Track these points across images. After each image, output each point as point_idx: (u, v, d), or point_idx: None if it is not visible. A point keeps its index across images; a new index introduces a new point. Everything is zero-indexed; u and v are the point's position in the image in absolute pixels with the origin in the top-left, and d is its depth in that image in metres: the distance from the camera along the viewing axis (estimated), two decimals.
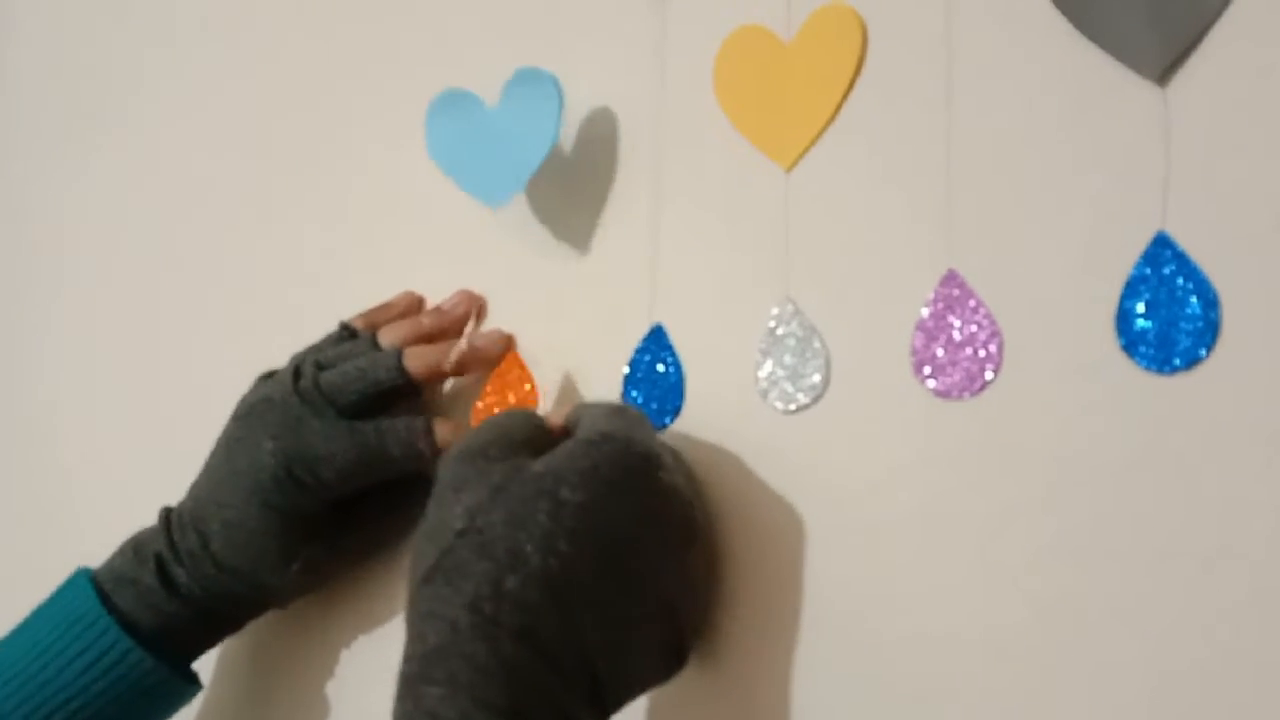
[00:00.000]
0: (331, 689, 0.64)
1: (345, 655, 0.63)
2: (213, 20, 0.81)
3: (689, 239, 0.54)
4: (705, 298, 0.53)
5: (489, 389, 0.59)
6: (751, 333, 0.51)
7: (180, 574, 0.57)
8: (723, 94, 0.53)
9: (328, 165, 0.71)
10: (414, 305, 0.62)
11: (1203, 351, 0.40)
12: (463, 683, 0.40)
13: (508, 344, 0.59)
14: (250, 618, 0.61)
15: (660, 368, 0.54)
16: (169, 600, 0.57)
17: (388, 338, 0.59)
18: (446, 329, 0.60)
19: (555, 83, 0.55)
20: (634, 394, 0.54)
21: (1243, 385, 0.40)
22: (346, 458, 0.55)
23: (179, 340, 0.78)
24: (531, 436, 0.48)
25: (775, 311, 0.50)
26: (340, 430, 0.56)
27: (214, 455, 0.59)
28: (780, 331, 0.50)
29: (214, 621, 0.60)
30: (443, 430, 0.56)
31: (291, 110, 0.74)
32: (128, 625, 0.57)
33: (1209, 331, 0.40)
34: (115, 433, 0.81)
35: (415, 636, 0.42)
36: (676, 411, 0.53)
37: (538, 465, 0.45)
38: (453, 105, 0.59)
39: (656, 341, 0.54)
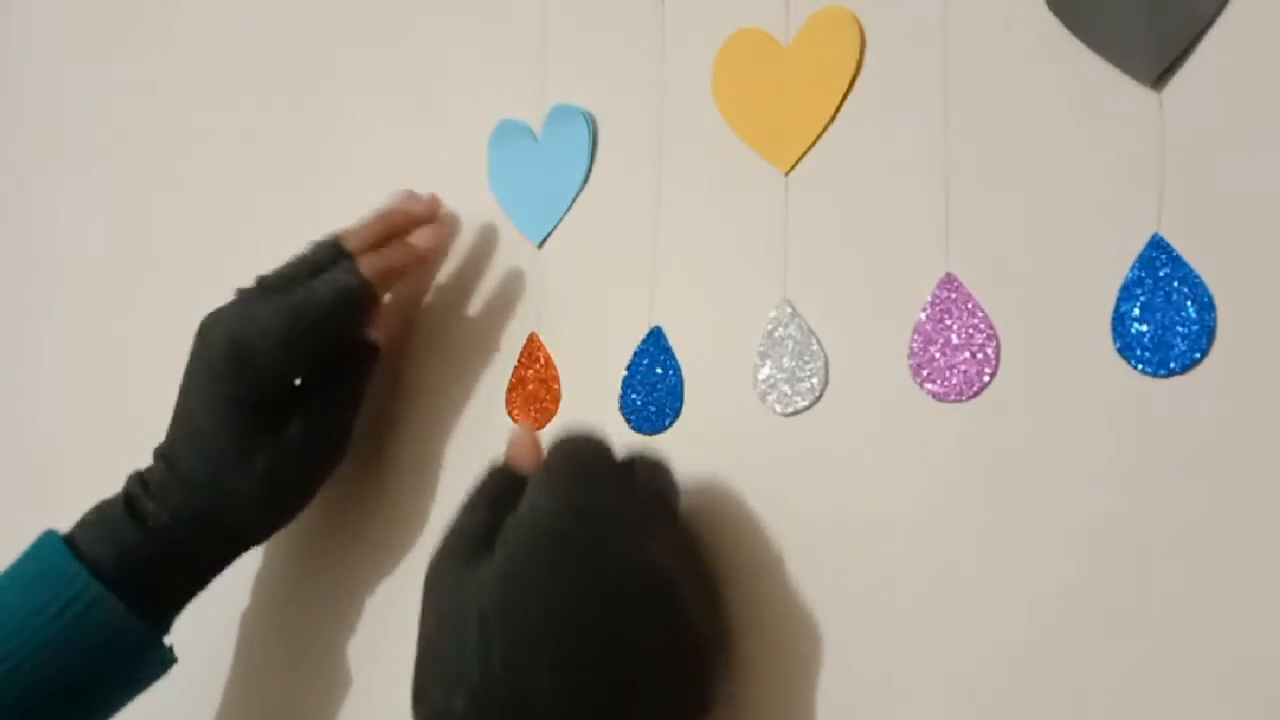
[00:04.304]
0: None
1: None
2: (214, 24, 0.81)
3: (688, 242, 0.54)
4: (704, 300, 0.53)
5: (514, 379, 0.59)
6: (750, 335, 0.51)
7: (148, 504, 0.57)
8: (721, 97, 0.54)
9: (329, 168, 0.71)
10: None
11: (1198, 355, 0.40)
12: None
13: (436, 203, 0.62)
14: (222, 552, 0.60)
15: (659, 370, 0.54)
16: (135, 531, 0.57)
17: (329, 235, 0.60)
18: (397, 224, 0.61)
19: (588, 121, 0.57)
20: (633, 396, 0.54)
21: (1239, 388, 0.40)
22: (284, 320, 0.56)
23: (184, 343, 0.78)
24: (495, 510, 0.47)
25: (774, 314, 0.51)
26: (275, 302, 0.57)
27: (181, 385, 0.60)
28: (779, 334, 0.50)
29: (184, 556, 0.58)
30: (367, 263, 0.58)
31: (297, 115, 0.74)
32: (94, 568, 0.56)
33: (1204, 335, 0.40)
34: (112, 433, 0.81)
35: None
36: (676, 414, 0.53)
37: (474, 581, 0.45)
38: (508, 137, 0.61)
39: (655, 343, 0.54)
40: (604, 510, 0.45)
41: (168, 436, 0.59)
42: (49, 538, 0.58)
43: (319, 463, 0.60)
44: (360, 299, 0.58)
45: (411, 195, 0.62)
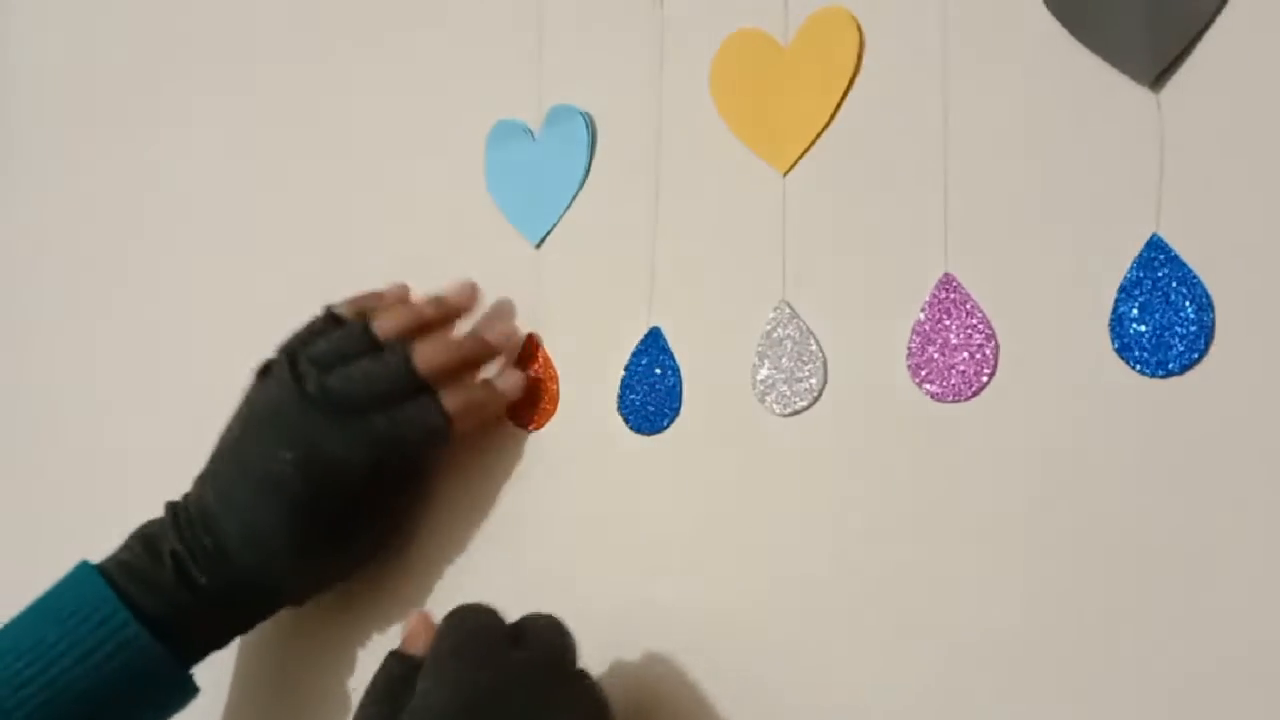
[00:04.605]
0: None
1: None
2: (214, 24, 0.81)
3: (686, 242, 0.54)
4: (703, 300, 0.53)
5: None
6: (749, 335, 0.51)
7: (198, 573, 0.57)
8: (719, 97, 0.54)
9: (329, 167, 0.71)
10: (404, 297, 0.61)
11: (1196, 355, 0.41)
12: None
13: (514, 336, 0.59)
14: (265, 615, 0.61)
15: (658, 370, 0.54)
16: (187, 597, 0.57)
17: (385, 326, 0.58)
18: (448, 317, 0.59)
19: (586, 121, 0.57)
20: (631, 396, 0.54)
21: (1237, 388, 0.40)
22: (366, 456, 0.56)
23: (183, 341, 0.78)
24: (392, 700, 0.46)
25: (772, 314, 0.51)
26: (355, 430, 0.56)
27: (222, 455, 0.58)
28: (777, 334, 0.50)
29: (229, 619, 0.59)
30: (451, 401, 0.56)
31: (296, 114, 0.74)
32: (142, 620, 0.56)
33: (1203, 335, 0.41)
34: (119, 432, 0.81)
35: None
36: (674, 414, 0.53)
37: None
38: (506, 138, 0.61)
39: (654, 344, 0.54)
40: (497, 688, 0.45)
41: (212, 501, 0.58)
42: (87, 574, 0.57)
43: (370, 556, 0.61)
44: (444, 439, 0.57)
45: (471, 292, 0.60)
